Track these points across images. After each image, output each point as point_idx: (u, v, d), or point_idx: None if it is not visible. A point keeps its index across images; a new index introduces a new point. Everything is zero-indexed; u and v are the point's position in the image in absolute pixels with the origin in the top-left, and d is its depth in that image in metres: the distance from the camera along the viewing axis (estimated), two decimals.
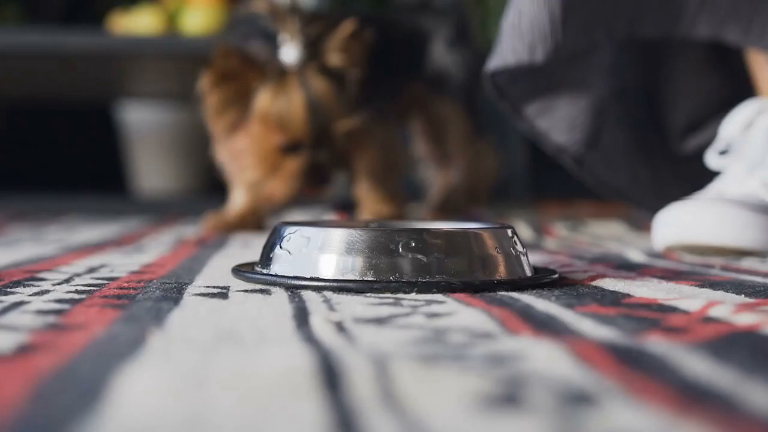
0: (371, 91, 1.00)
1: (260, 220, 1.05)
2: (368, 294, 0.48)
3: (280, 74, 0.92)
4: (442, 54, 1.19)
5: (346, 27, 0.93)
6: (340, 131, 0.94)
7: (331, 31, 0.94)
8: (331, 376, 0.28)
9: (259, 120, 0.93)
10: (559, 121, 0.94)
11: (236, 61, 0.92)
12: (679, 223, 0.72)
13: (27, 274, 0.57)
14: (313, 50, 0.93)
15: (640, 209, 1.03)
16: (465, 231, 0.52)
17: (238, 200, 1.05)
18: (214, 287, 0.51)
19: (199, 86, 0.96)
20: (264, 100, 0.92)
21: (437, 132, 1.21)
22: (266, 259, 0.54)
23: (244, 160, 0.97)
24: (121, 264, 0.64)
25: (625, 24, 0.82)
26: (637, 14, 0.82)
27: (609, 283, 0.53)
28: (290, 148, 0.93)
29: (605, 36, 0.83)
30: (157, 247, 0.80)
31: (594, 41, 0.84)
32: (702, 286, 0.52)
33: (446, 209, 1.20)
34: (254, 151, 0.95)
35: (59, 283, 0.52)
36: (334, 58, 0.94)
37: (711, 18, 0.80)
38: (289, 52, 0.93)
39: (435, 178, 1.24)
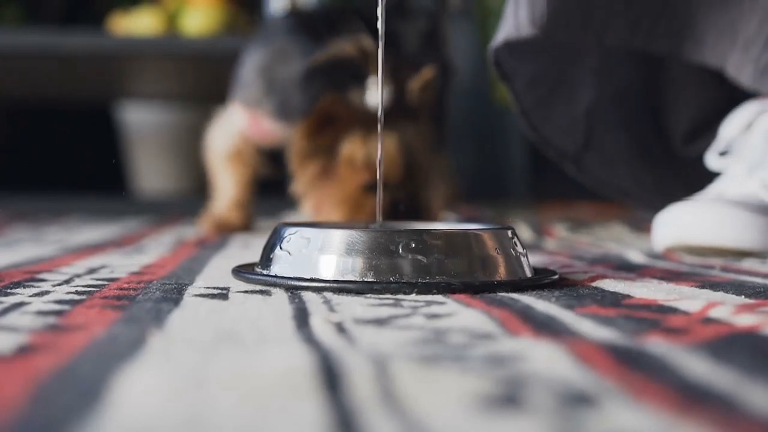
0: None
1: (248, 217, 1.05)
2: (368, 295, 0.48)
3: (369, 117, 0.91)
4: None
5: (429, 71, 0.93)
6: (424, 168, 0.94)
7: (412, 72, 0.94)
8: (331, 376, 0.28)
9: (345, 162, 0.92)
10: (558, 126, 0.95)
11: (342, 108, 0.91)
12: (679, 224, 0.72)
13: (27, 275, 0.57)
14: (400, 93, 0.93)
15: (643, 208, 1.03)
16: (465, 232, 0.52)
17: (226, 193, 1.05)
18: (214, 288, 0.51)
19: (293, 134, 0.95)
20: (354, 143, 0.92)
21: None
22: (266, 260, 0.54)
23: (326, 204, 0.95)
24: (121, 265, 0.65)
25: (597, 26, 0.81)
26: (605, 19, 0.81)
27: (609, 284, 0.53)
28: (371, 186, 0.91)
29: (590, 35, 0.82)
30: (157, 248, 0.80)
31: (581, 36, 0.82)
32: (702, 287, 0.52)
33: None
34: (337, 193, 0.93)
35: (59, 284, 0.52)
36: (415, 99, 0.93)
37: (668, 33, 0.79)
38: (378, 96, 0.91)
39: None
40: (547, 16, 0.79)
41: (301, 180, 0.96)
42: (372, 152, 0.91)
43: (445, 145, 1.21)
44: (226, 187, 1.06)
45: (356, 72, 0.93)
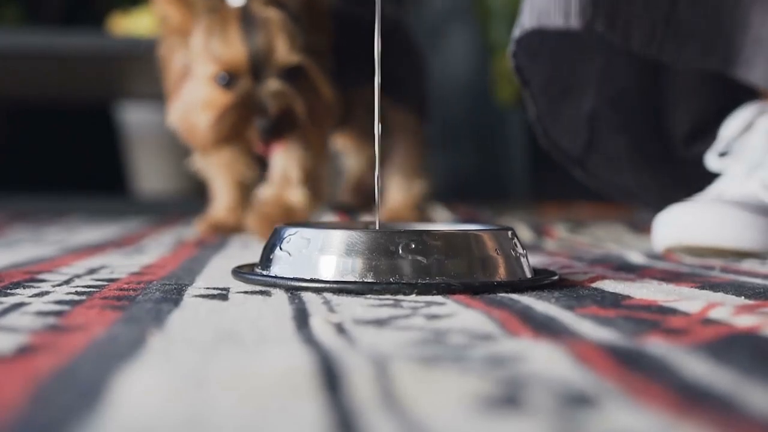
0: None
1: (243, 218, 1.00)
2: (368, 295, 0.48)
3: (217, 8, 0.85)
4: (394, 58, 1.09)
5: None
6: (283, 62, 0.84)
7: None
8: (331, 377, 0.28)
9: (197, 56, 0.86)
10: (565, 128, 0.95)
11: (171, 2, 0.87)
12: (679, 224, 0.73)
13: (27, 276, 0.57)
14: None
15: (648, 210, 1.03)
16: (465, 232, 0.52)
17: (221, 198, 1.03)
18: (214, 288, 0.51)
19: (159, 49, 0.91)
20: (199, 31, 0.85)
21: (395, 142, 1.11)
22: (266, 260, 0.54)
23: (191, 112, 0.87)
24: (121, 265, 0.65)
25: (623, 25, 0.81)
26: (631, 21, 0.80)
27: (609, 285, 0.53)
28: (228, 83, 0.84)
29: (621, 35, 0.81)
30: (157, 248, 0.80)
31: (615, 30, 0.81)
32: (702, 287, 0.52)
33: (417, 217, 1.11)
34: (193, 91, 0.87)
35: (59, 285, 0.52)
36: None
37: (674, 40, 0.79)
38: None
39: (392, 187, 1.14)
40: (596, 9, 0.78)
41: (167, 83, 0.91)
42: (217, 35, 0.84)
43: (424, 138, 1.14)
44: (220, 192, 1.04)
45: None
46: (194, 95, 0.86)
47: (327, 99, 0.87)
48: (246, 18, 0.84)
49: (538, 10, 0.80)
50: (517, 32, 0.83)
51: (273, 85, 0.84)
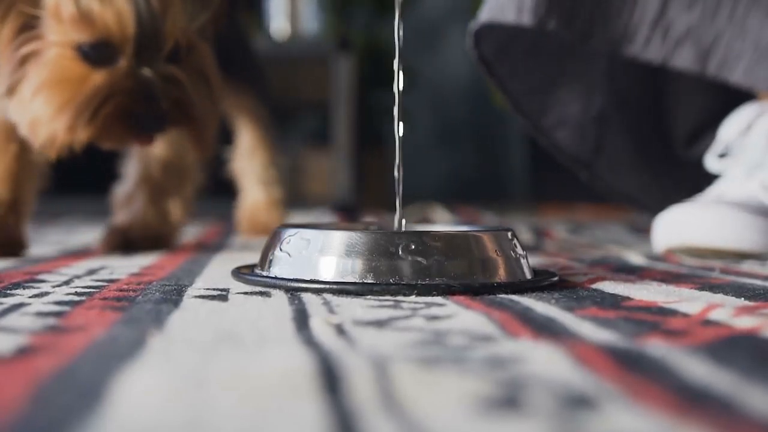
0: None
1: (20, 219, 0.73)
2: (368, 296, 0.48)
3: None
4: (237, 31, 0.93)
5: None
6: (176, 38, 0.63)
7: None
8: (331, 377, 0.28)
9: (52, 15, 0.61)
10: (572, 131, 0.95)
11: None
12: (679, 226, 0.73)
13: (27, 276, 0.57)
14: None
15: (650, 215, 1.03)
16: (465, 233, 0.52)
17: None
18: (213, 289, 0.51)
19: None
20: None
21: (242, 132, 1.00)
22: (266, 261, 0.54)
23: (34, 85, 0.62)
24: (121, 266, 0.65)
25: (582, 24, 0.81)
26: (593, 20, 0.80)
27: (609, 286, 0.53)
28: (99, 57, 0.61)
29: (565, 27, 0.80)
30: None
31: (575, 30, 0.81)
32: (702, 289, 0.52)
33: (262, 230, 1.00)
34: (46, 66, 0.61)
35: (59, 285, 0.52)
36: None
37: (663, 41, 0.79)
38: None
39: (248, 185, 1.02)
40: (545, 7, 0.78)
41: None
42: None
43: (273, 128, 1.03)
44: None
45: None
46: (44, 74, 0.61)
47: (216, 87, 0.68)
48: None
49: (493, 6, 0.81)
50: (472, 25, 0.85)
51: (165, 68, 0.62)
